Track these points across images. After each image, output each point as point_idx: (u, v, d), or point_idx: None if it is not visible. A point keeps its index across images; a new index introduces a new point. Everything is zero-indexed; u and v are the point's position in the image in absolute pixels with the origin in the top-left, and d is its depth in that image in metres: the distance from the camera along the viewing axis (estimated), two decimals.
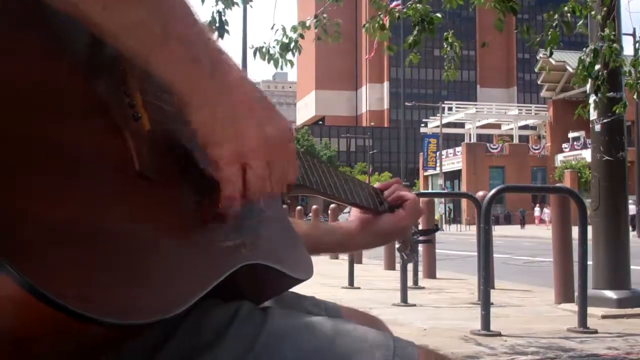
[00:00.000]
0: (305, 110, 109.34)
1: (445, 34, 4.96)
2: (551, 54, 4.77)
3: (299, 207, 14.79)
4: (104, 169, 0.55)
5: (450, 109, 58.25)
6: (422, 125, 62.67)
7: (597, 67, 4.71)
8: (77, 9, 0.53)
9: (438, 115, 53.65)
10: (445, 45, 4.96)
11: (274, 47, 4.78)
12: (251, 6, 4.65)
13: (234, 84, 0.63)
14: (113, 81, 0.60)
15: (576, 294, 4.73)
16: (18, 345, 0.49)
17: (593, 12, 4.76)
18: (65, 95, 0.54)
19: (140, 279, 0.53)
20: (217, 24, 4.35)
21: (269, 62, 4.80)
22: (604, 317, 4.74)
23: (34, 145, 0.50)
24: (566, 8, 4.60)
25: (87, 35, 0.58)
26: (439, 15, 4.61)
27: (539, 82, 52.28)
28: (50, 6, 0.54)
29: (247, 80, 0.65)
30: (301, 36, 4.88)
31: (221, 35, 4.42)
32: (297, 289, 0.94)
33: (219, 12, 4.39)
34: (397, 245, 1.35)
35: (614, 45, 4.68)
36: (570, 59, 39.31)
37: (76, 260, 0.48)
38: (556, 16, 4.59)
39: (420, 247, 7.38)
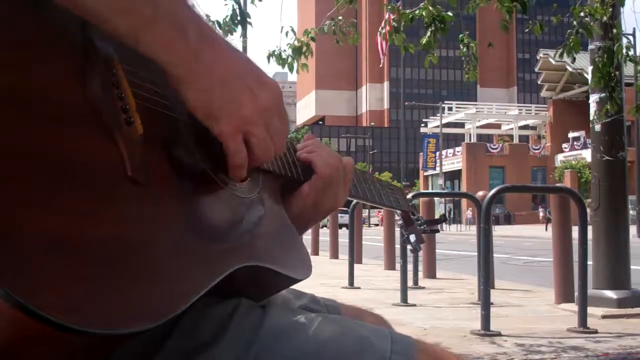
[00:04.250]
0: (305, 110, 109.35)
1: (460, 35, 4.95)
2: (574, 60, 4.76)
3: None
4: (94, 176, 0.54)
5: (450, 109, 58.19)
6: (422, 125, 62.59)
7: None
8: None
9: (438, 115, 53.63)
10: (462, 47, 4.95)
11: (284, 50, 4.80)
12: (255, 5, 4.65)
13: (222, 53, 0.65)
14: (107, 85, 0.59)
15: (576, 294, 4.73)
16: (8, 356, 0.49)
17: (600, 13, 4.76)
18: (57, 100, 0.54)
19: (132, 286, 0.52)
20: (239, 18, 4.34)
21: (283, 66, 4.83)
22: (604, 317, 4.74)
23: (20, 153, 0.49)
24: (582, 13, 4.59)
25: (79, 38, 0.58)
26: (450, 14, 4.60)
27: (539, 82, 52.22)
28: (41, 6, 0.53)
29: (232, 46, 0.67)
30: (312, 39, 4.90)
31: (245, 29, 4.41)
32: (298, 288, 0.94)
33: (239, 5, 4.37)
34: (402, 238, 1.36)
35: (627, 43, 4.70)
36: (570, 59, 39.21)
37: (66, 272, 0.47)
38: (575, 22, 4.58)
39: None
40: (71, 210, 0.50)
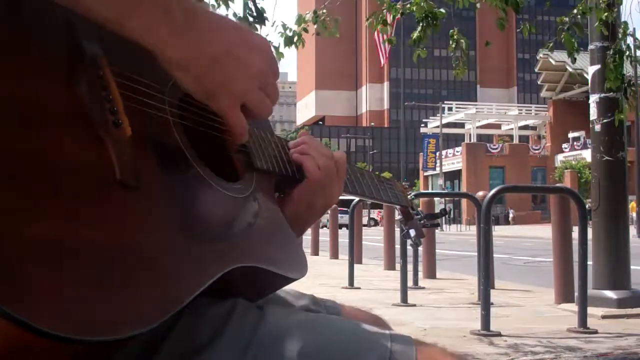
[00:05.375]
0: (305, 110, 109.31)
1: (450, 31, 4.95)
2: (574, 60, 4.77)
3: None
4: (82, 181, 0.53)
5: (450, 109, 58.18)
6: (422, 125, 62.58)
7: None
8: None
9: (438, 115, 53.62)
10: (451, 43, 4.94)
11: (281, 35, 4.80)
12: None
13: (209, 29, 0.65)
14: (94, 88, 0.59)
15: (576, 294, 4.72)
16: None
17: (606, 14, 4.76)
18: (41, 104, 0.53)
19: (124, 290, 0.52)
20: (255, 13, 4.30)
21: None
22: (604, 317, 4.74)
23: (6, 160, 0.48)
24: (575, 10, 4.60)
25: (66, 41, 0.57)
26: (442, 10, 4.60)
27: (539, 82, 52.20)
28: (27, 9, 0.53)
29: (217, 16, 0.67)
30: (305, 30, 4.90)
31: (263, 23, 4.36)
32: (298, 289, 0.94)
33: (253, 2, 4.35)
34: (402, 233, 1.36)
35: (636, 43, 4.73)
36: (570, 59, 39.23)
37: (54, 279, 0.47)
38: (567, 19, 4.59)
39: (420, 248, 7.39)
40: (59, 215, 0.49)
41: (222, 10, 4.23)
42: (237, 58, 0.67)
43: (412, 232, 1.34)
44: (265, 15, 4.30)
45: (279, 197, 0.89)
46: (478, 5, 4.74)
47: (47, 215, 0.49)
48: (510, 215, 43.56)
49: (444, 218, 40.02)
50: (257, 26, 4.30)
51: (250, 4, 4.29)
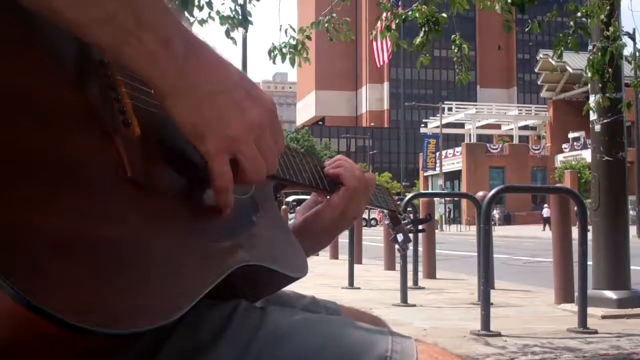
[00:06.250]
0: (305, 110, 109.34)
1: (452, 36, 4.96)
2: (560, 56, 4.76)
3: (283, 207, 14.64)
4: (95, 177, 0.54)
5: (450, 109, 58.18)
6: (422, 125, 62.59)
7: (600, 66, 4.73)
8: (48, 5, 0.52)
9: (438, 115, 53.63)
10: (454, 48, 4.95)
11: (285, 45, 4.86)
12: (254, 5, 4.68)
13: (209, 67, 0.62)
14: (103, 87, 0.59)
15: (576, 294, 4.73)
16: (15, 358, 0.49)
17: (598, 11, 4.76)
18: (54, 103, 0.54)
19: (137, 286, 0.53)
20: (240, 17, 4.38)
21: (283, 61, 4.91)
22: (604, 317, 4.74)
23: (23, 156, 0.49)
24: (579, 14, 4.61)
25: (74, 41, 0.58)
26: (444, 15, 4.62)
27: (539, 82, 52.23)
28: (30, 11, 0.53)
29: (221, 58, 0.64)
30: (308, 37, 4.95)
31: (245, 28, 4.46)
32: (298, 290, 0.94)
33: (240, 5, 4.42)
34: (390, 238, 1.37)
35: (621, 42, 4.73)
36: (570, 60, 39.32)
37: (71, 272, 0.48)
38: (572, 23, 4.59)
39: (421, 248, 7.39)
40: (76, 211, 0.51)
41: (204, 13, 4.30)
42: (234, 102, 0.63)
43: (400, 237, 1.36)
44: (250, 19, 4.41)
45: (320, 205, 0.98)
46: (480, 5, 4.74)
47: (64, 210, 0.50)
48: (496, 217, 41.74)
49: (443, 218, 40.07)
50: (241, 28, 4.40)
51: (238, 8, 4.37)
